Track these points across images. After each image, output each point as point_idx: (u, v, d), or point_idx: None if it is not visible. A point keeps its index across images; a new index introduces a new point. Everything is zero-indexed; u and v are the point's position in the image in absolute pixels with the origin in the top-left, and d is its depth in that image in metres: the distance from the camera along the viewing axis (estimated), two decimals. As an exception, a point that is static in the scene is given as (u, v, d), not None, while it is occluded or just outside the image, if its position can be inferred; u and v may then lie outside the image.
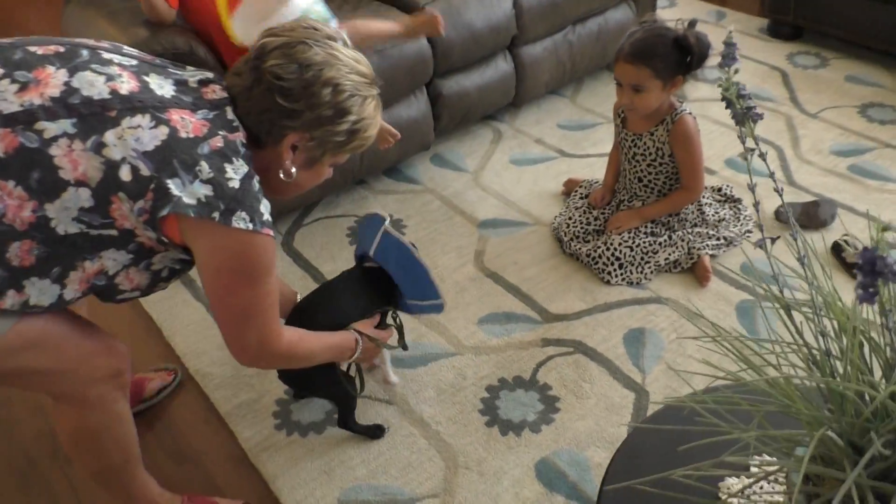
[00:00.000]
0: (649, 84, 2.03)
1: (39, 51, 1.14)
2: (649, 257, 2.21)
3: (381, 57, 2.32)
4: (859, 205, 2.46)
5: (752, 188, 0.89)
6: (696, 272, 2.21)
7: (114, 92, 1.12)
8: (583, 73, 3.15)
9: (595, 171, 2.66)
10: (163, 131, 1.12)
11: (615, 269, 2.18)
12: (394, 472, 1.71)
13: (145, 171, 1.11)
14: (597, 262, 2.21)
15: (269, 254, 1.23)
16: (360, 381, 1.74)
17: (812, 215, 2.37)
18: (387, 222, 1.71)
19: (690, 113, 2.15)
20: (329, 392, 1.72)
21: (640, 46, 2.01)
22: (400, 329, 1.83)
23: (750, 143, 0.84)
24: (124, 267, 1.21)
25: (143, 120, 1.12)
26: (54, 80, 1.10)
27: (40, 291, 1.12)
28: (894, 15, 3.00)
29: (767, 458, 0.89)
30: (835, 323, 0.84)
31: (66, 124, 1.08)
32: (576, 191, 2.49)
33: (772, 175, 0.90)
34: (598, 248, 2.21)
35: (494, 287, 2.21)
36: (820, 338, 0.83)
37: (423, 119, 2.59)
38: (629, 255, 2.19)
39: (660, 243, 2.22)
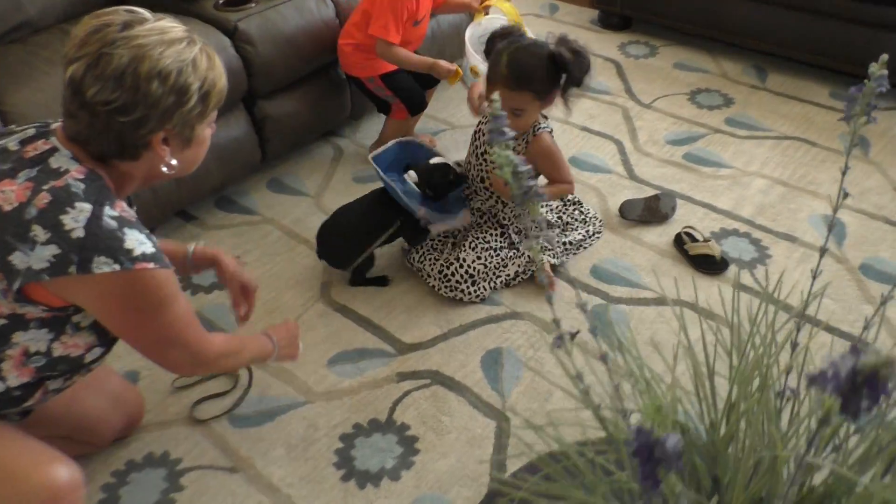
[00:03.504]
0: (529, 107, 1.96)
1: None
2: (500, 271, 2.15)
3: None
4: (696, 193, 2.51)
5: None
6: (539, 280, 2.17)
7: None
8: (422, 78, 3.05)
9: (441, 182, 2.58)
10: None
11: (468, 287, 2.11)
12: (243, 551, 1.55)
13: None
14: (448, 280, 2.11)
15: (157, 286, 1.22)
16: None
17: (654, 210, 2.40)
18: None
19: (549, 130, 2.10)
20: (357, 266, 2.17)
21: (519, 71, 1.89)
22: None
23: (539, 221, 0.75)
24: (53, 340, 1.25)
25: None
26: None
27: None
28: (713, 2, 3.11)
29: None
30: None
31: None
32: None
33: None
34: (452, 263, 2.12)
35: (344, 322, 2.08)
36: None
37: (246, 138, 2.41)
38: (482, 272, 2.12)
39: (508, 257, 2.16)
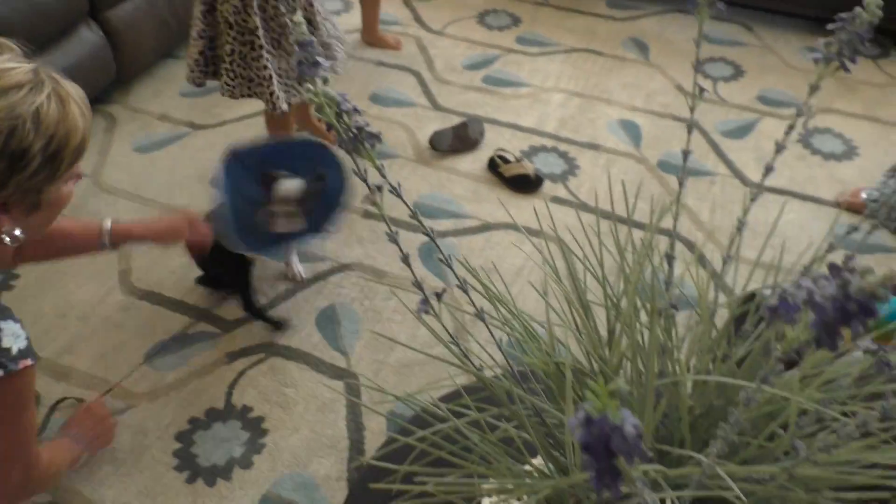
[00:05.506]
0: None
1: None
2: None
3: None
4: (501, 115, 2.51)
5: (392, 238, 0.70)
6: None
7: None
8: (194, 28, 2.76)
9: (237, 138, 2.36)
10: None
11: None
12: (83, 591, 1.35)
13: None
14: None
15: (28, 387, 1.12)
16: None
17: (463, 138, 2.36)
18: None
19: None
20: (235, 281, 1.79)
21: None
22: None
23: (375, 176, 0.63)
24: None
25: None
26: None
27: None
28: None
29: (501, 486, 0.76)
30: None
31: None
32: None
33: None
34: None
35: (154, 310, 1.85)
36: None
37: None
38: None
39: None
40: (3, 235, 1.03)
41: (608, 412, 0.33)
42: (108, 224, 1.44)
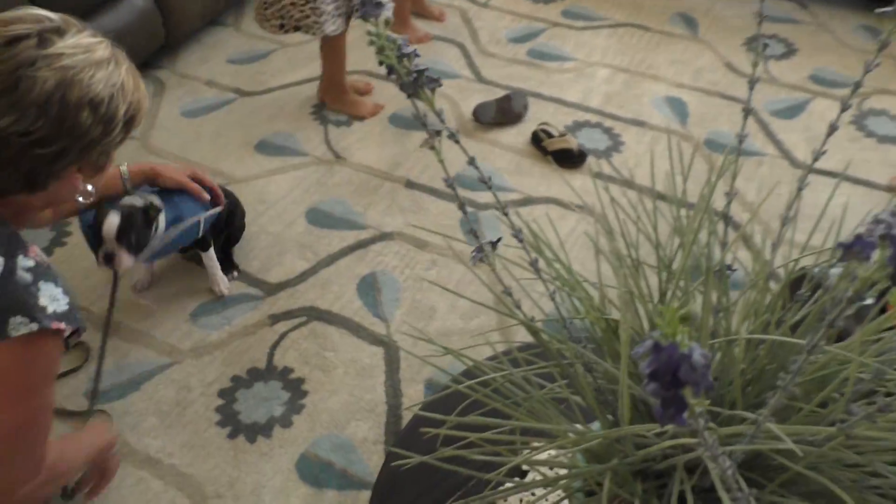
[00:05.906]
0: None
1: None
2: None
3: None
4: (545, 89, 2.48)
5: (449, 182, 0.70)
6: None
7: None
8: (241, -5, 2.78)
9: (282, 105, 2.38)
10: None
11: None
12: (129, 536, 1.39)
13: None
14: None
15: (54, 355, 1.07)
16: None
17: (507, 111, 2.35)
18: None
19: None
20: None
21: None
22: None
23: (433, 119, 0.64)
24: None
25: None
26: None
27: None
28: None
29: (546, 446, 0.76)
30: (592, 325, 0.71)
31: None
32: None
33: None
34: None
35: (196, 270, 1.88)
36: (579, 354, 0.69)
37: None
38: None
39: None
40: (81, 193, 1.11)
41: (678, 339, 0.33)
42: (124, 168, 1.57)
